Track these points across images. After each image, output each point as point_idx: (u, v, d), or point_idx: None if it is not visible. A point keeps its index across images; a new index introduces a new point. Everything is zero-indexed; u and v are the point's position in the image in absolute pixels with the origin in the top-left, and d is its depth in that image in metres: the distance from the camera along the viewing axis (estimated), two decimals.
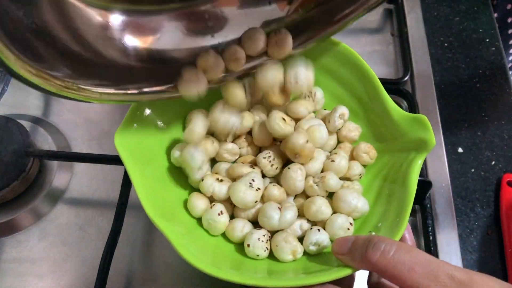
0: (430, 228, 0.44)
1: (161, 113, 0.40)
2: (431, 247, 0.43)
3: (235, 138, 0.42)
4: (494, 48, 0.60)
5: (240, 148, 0.41)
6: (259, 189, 0.37)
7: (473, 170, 0.51)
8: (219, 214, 0.37)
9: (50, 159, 0.48)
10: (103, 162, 0.47)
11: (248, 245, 0.36)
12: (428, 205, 0.46)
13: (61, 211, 0.47)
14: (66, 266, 0.44)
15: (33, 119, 0.52)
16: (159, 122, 0.40)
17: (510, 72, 0.59)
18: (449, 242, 0.45)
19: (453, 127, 0.54)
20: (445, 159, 0.50)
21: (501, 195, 0.49)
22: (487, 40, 0.61)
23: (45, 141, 0.50)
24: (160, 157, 0.40)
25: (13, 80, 0.50)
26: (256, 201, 0.37)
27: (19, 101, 0.54)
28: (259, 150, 0.42)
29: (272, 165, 0.39)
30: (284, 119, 0.38)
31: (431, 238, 0.44)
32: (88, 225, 0.46)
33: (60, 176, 0.49)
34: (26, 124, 0.49)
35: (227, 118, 0.38)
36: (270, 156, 0.39)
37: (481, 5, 0.64)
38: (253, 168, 0.39)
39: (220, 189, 0.38)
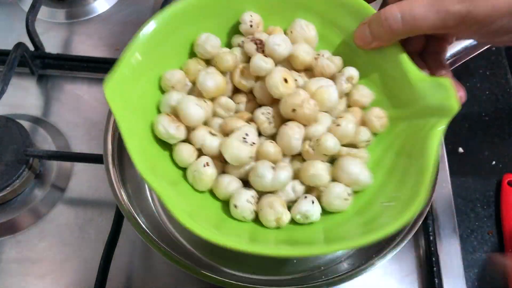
0: (430, 228, 0.44)
1: (156, 60, 0.38)
2: (431, 247, 0.43)
3: (234, 93, 0.39)
4: (494, 48, 0.60)
5: (238, 104, 0.38)
6: (253, 143, 0.34)
7: (473, 170, 0.51)
8: (204, 166, 0.34)
9: (50, 159, 0.48)
10: (103, 162, 0.47)
11: (235, 206, 0.33)
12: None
13: (61, 211, 0.47)
14: (66, 266, 0.44)
15: (33, 119, 0.52)
16: (152, 70, 0.38)
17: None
18: (449, 242, 0.45)
19: (453, 127, 0.54)
20: (445, 159, 0.50)
21: (502, 195, 0.49)
22: None
23: (45, 141, 0.50)
24: (151, 104, 0.38)
25: (13, 80, 0.50)
26: (251, 157, 0.34)
27: (19, 101, 0.54)
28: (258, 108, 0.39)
29: (270, 122, 0.36)
30: (286, 79, 0.35)
31: (431, 238, 0.44)
32: (88, 225, 0.46)
33: (60, 176, 0.49)
34: (26, 124, 0.49)
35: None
36: (269, 113, 0.36)
37: None
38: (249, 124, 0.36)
39: (211, 142, 0.35)
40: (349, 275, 0.35)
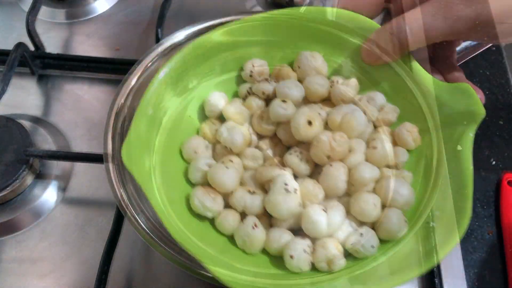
0: None
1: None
2: None
3: (260, 139, 0.39)
4: (494, 48, 0.60)
5: (265, 150, 0.38)
6: (296, 190, 0.32)
7: (473, 169, 0.51)
8: (253, 228, 0.33)
9: (50, 159, 0.48)
10: (103, 162, 0.47)
11: (291, 257, 0.31)
12: None
13: (61, 211, 0.47)
14: (66, 266, 0.44)
15: (33, 119, 0.52)
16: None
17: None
18: None
19: None
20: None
21: (501, 195, 0.49)
22: None
23: (45, 141, 0.50)
24: (179, 168, 0.38)
25: (13, 80, 0.50)
26: (300, 203, 0.33)
27: (19, 101, 0.54)
28: (286, 151, 0.38)
29: (301, 159, 0.34)
30: (310, 122, 0.34)
31: None
32: (88, 225, 0.46)
33: (60, 176, 0.49)
34: (26, 124, 0.49)
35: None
36: (299, 153, 0.35)
37: None
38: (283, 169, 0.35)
39: (252, 201, 0.34)
40: None
